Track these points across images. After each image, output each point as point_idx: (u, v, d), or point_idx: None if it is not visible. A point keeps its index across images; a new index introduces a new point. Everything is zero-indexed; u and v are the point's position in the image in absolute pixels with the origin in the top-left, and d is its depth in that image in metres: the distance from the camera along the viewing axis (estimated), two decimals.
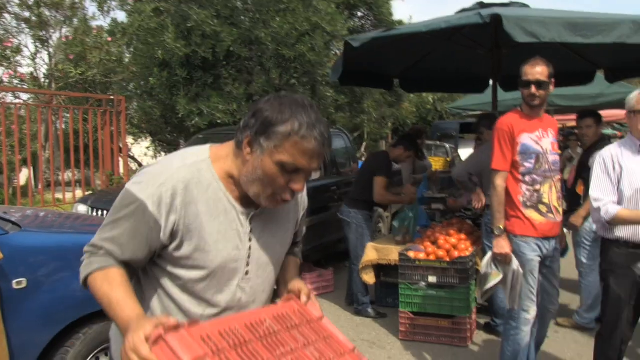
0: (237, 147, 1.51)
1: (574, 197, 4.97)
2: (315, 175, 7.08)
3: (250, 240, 1.57)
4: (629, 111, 3.17)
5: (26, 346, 2.81)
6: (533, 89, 3.40)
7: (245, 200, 1.56)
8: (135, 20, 8.25)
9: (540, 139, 3.51)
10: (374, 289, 5.70)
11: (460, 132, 18.50)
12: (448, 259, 4.64)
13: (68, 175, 7.15)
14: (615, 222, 3.07)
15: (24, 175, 11.26)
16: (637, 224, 3.07)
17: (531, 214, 3.47)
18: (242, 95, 8.94)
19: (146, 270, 1.57)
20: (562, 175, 4.04)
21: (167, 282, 1.55)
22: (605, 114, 7.53)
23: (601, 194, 3.12)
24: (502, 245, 3.48)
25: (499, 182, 3.52)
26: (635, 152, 3.13)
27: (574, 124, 13.66)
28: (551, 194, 3.50)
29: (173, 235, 1.48)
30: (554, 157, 3.54)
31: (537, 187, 3.49)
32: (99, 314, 3.09)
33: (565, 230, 4.58)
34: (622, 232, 3.12)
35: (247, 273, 1.57)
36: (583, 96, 9.45)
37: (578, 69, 6.62)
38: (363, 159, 11.62)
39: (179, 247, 1.49)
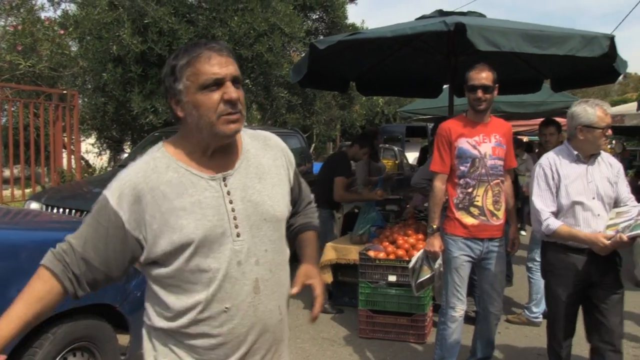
0: (176, 120, 1.62)
1: None
2: None
3: (230, 202, 1.59)
4: (586, 125, 3.17)
5: None
6: (479, 93, 3.57)
7: (212, 167, 1.61)
8: (90, 13, 8.04)
9: (480, 144, 3.65)
10: (330, 287, 5.80)
11: (406, 135, 18.93)
12: (407, 258, 4.78)
13: (15, 172, 6.86)
14: (553, 237, 3.20)
15: None
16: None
17: (462, 215, 3.67)
18: None
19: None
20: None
21: (167, 284, 1.59)
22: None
23: (543, 204, 3.21)
24: (432, 244, 3.75)
25: (437, 183, 3.73)
26: (572, 161, 3.24)
27: (516, 129, 14.22)
28: (486, 197, 3.65)
29: (143, 225, 1.52)
30: (493, 161, 3.66)
31: (470, 190, 3.65)
32: (67, 313, 3.05)
33: (523, 232, 4.81)
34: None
35: (238, 235, 1.58)
36: (527, 103, 9.87)
37: (527, 78, 6.94)
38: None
39: (159, 236, 1.52)
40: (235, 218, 1.58)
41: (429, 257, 3.84)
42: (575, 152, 3.25)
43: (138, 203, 1.52)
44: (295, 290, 1.70)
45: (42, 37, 8.46)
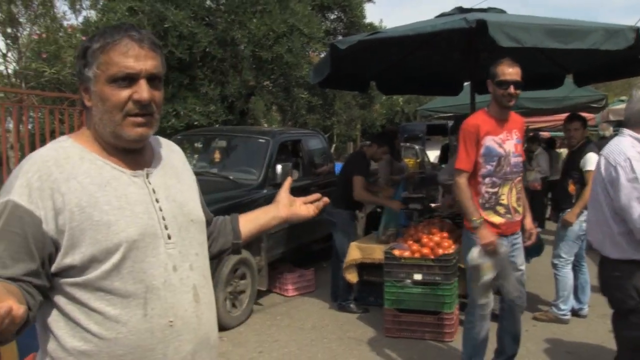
0: (84, 109, 1.41)
1: (563, 195, 5.21)
2: (294, 176, 7.17)
3: (157, 201, 1.40)
4: None
5: None
6: (512, 89, 3.44)
7: (129, 163, 1.41)
8: (110, 19, 8.16)
9: (504, 142, 3.56)
10: (355, 288, 5.80)
11: (427, 133, 18.84)
12: (432, 257, 4.76)
13: None
14: None
15: None
16: None
17: (488, 214, 3.56)
18: (217, 97, 8.95)
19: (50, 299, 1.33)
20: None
21: (86, 298, 1.30)
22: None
23: None
24: (485, 235, 3.42)
25: (462, 180, 3.55)
26: None
27: (538, 125, 14.03)
28: (510, 195, 3.59)
29: (61, 222, 1.27)
30: (515, 159, 3.59)
31: (496, 189, 3.56)
32: None
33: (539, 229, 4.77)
34: None
35: (169, 237, 1.39)
36: (550, 99, 9.76)
37: (549, 73, 6.87)
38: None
39: (80, 236, 1.28)
40: (164, 218, 1.40)
41: (485, 253, 3.45)
42: None
43: (53, 197, 1.27)
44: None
45: (65, 44, 8.59)
